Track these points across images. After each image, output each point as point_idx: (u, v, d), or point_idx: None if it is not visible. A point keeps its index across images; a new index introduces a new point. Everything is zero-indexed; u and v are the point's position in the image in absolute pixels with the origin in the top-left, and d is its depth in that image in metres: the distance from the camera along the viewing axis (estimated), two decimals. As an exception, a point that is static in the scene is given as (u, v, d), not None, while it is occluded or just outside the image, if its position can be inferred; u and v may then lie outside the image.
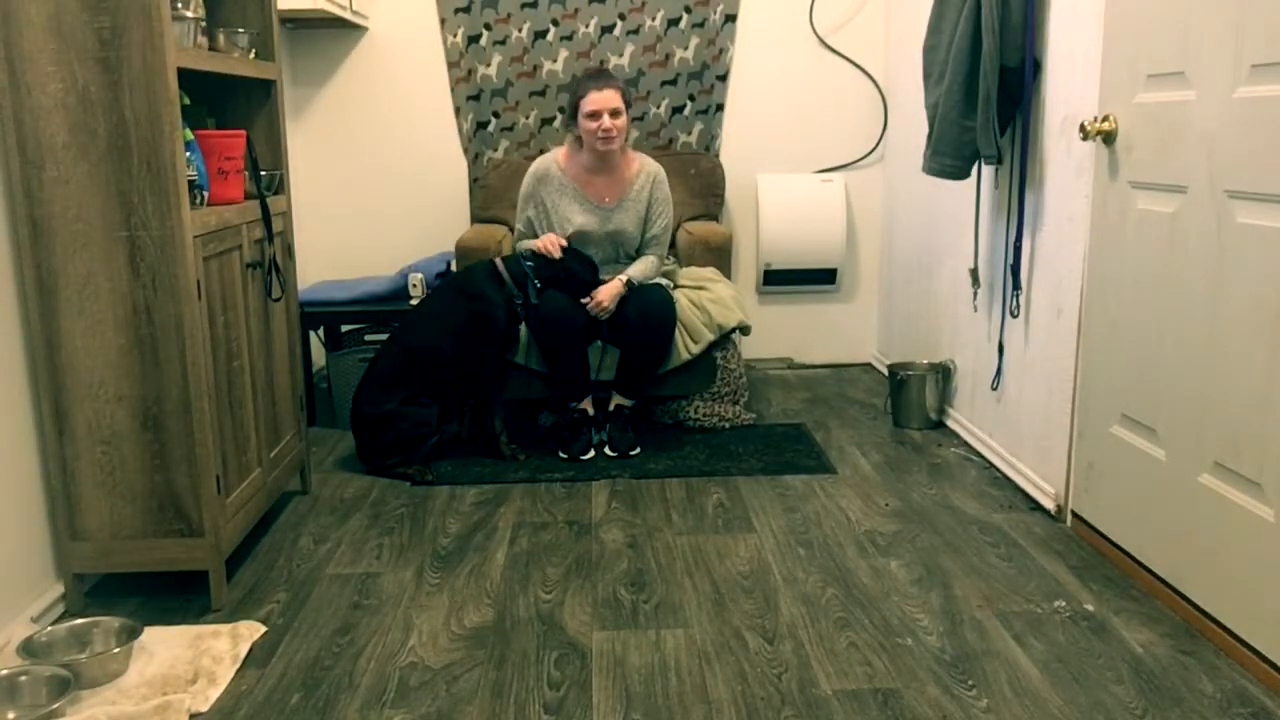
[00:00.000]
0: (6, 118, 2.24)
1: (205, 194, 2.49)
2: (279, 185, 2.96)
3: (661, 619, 2.40)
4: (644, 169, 3.65)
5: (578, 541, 2.84)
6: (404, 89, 4.48)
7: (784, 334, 4.76)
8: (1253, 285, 2.09)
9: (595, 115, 3.44)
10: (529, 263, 3.47)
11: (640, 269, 3.58)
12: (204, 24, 2.50)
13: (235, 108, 2.90)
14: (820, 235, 4.53)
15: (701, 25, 4.43)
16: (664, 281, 3.68)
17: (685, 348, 3.60)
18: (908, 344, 4.27)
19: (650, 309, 3.47)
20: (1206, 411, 2.25)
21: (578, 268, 3.46)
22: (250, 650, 2.28)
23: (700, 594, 2.52)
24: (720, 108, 4.54)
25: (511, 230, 4.17)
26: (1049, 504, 2.95)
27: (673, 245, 4.21)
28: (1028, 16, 2.93)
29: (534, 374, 3.58)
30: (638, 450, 3.51)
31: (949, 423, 3.77)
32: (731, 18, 4.44)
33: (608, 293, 3.45)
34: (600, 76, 3.54)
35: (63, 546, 2.44)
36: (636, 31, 4.41)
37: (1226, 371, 2.18)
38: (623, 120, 3.48)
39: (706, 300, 3.67)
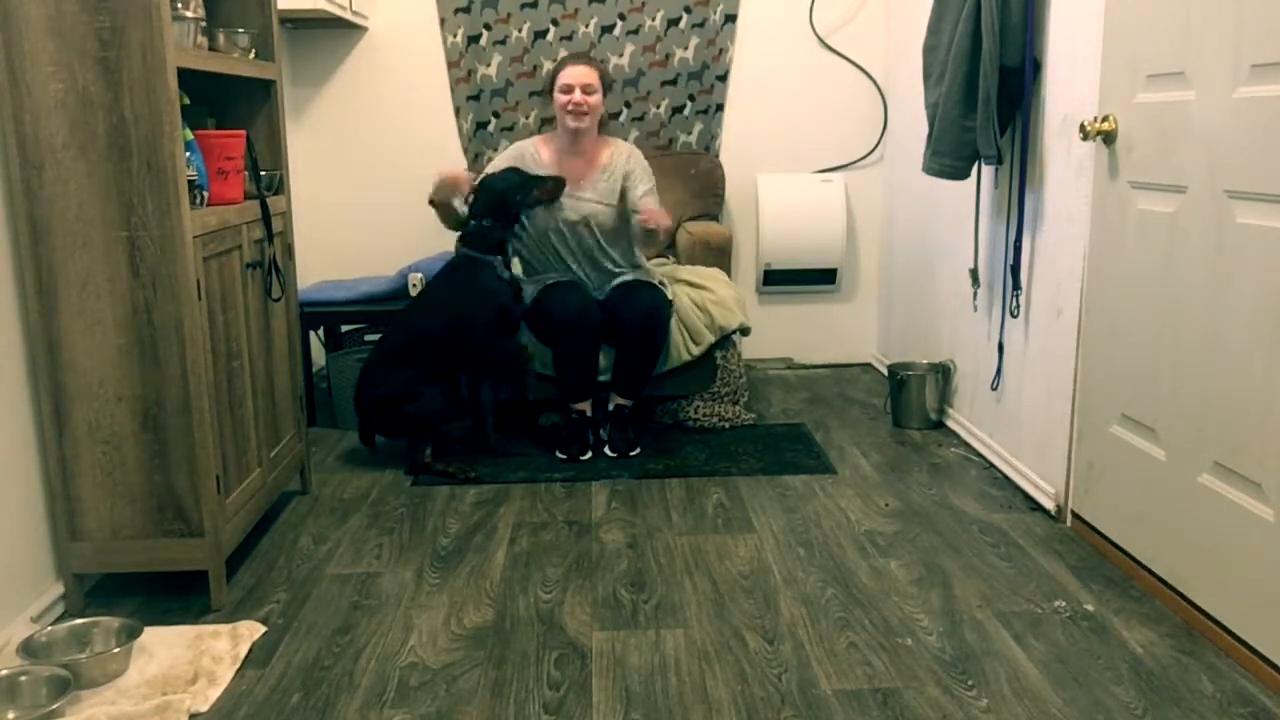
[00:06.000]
0: (6, 118, 2.24)
1: (205, 194, 2.49)
2: (279, 185, 2.96)
3: (661, 619, 2.40)
4: (617, 150, 3.62)
5: (578, 541, 2.84)
6: (404, 89, 4.48)
7: (784, 334, 4.76)
8: (1253, 285, 2.09)
9: (568, 89, 3.48)
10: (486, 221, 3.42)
11: (654, 205, 3.51)
12: (204, 24, 2.50)
13: (235, 108, 2.90)
14: (820, 235, 4.53)
15: (701, 25, 4.43)
16: (661, 281, 3.68)
17: (686, 348, 3.61)
18: (908, 344, 4.27)
19: (645, 309, 3.48)
20: (1206, 411, 2.25)
21: (503, 187, 3.43)
22: (250, 650, 2.28)
23: (700, 594, 2.52)
24: (720, 108, 4.54)
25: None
26: (1049, 504, 2.95)
27: (672, 245, 4.22)
28: (1028, 16, 2.93)
29: (538, 376, 3.59)
30: (638, 450, 3.51)
31: (949, 423, 3.77)
32: (731, 18, 4.44)
33: (657, 213, 3.40)
34: (580, 56, 3.61)
35: (62, 546, 2.44)
36: (636, 31, 4.41)
37: (1226, 371, 2.18)
38: (596, 99, 3.50)
39: (709, 301, 3.68)
